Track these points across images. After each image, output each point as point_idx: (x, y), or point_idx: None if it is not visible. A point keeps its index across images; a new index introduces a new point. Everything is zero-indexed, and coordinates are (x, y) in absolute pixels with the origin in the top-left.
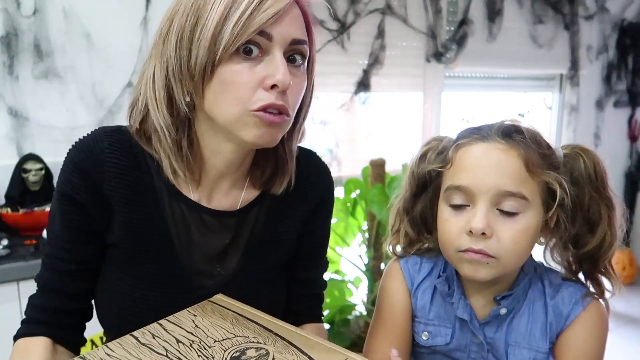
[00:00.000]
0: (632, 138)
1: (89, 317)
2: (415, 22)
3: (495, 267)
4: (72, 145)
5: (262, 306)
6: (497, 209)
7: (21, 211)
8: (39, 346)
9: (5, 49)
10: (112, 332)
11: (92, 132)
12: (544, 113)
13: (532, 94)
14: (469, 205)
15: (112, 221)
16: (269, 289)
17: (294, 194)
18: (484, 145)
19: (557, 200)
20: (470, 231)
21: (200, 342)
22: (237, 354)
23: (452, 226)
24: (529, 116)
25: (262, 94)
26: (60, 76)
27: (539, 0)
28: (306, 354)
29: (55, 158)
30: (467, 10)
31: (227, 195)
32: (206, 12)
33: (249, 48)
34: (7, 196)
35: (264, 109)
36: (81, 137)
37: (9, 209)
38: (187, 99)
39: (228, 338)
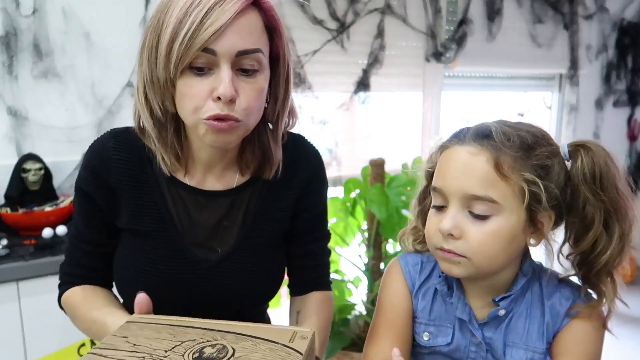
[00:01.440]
0: (632, 138)
1: (110, 284)
2: (414, 22)
3: (467, 266)
4: (88, 146)
5: (261, 279)
6: (469, 211)
7: (21, 211)
8: (77, 289)
9: (5, 48)
10: (129, 303)
11: (104, 133)
12: (544, 113)
13: (532, 94)
14: (446, 206)
15: (120, 209)
16: (266, 264)
17: (284, 176)
18: (459, 149)
19: (526, 202)
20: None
21: (152, 356)
22: (197, 354)
23: (431, 224)
24: (528, 116)
25: (211, 105)
26: (59, 76)
27: (539, 0)
28: (259, 337)
29: (54, 158)
30: (466, 9)
31: (220, 180)
32: (162, 32)
33: (198, 64)
34: (6, 196)
35: (212, 118)
36: (96, 139)
37: (8, 209)
38: (160, 105)
39: (176, 345)
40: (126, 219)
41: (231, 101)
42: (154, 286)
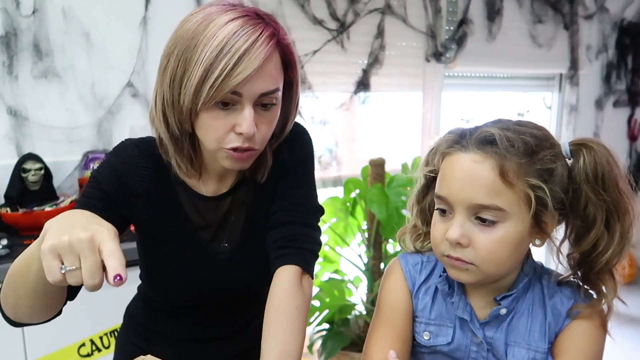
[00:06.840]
0: (632, 138)
1: None
2: (414, 22)
3: (476, 272)
4: (110, 152)
5: (269, 271)
6: (475, 218)
7: (21, 211)
8: None
9: (5, 48)
10: (162, 301)
11: (123, 142)
12: (544, 113)
13: (532, 94)
14: (452, 213)
15: (140, 214)
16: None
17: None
18: (462, 156)
19: (532, 208)
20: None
21: None
22: None
23: (437, 231)
24: (528, 116)
25: (233, 137)
26: (59, 76)
27: (539, 0)
28: None
29: (54, 158)
30: (466, 10)
31: (228, 185)
32: (190, 68)
33: (224, 102)
34: (6, 196)
35: (234, 149)
36: (116, 146)
37: (8, 209)
38: (179, 125)
39: None
40: (147, 225)
41: (252, 135)
42: (184, 284)
